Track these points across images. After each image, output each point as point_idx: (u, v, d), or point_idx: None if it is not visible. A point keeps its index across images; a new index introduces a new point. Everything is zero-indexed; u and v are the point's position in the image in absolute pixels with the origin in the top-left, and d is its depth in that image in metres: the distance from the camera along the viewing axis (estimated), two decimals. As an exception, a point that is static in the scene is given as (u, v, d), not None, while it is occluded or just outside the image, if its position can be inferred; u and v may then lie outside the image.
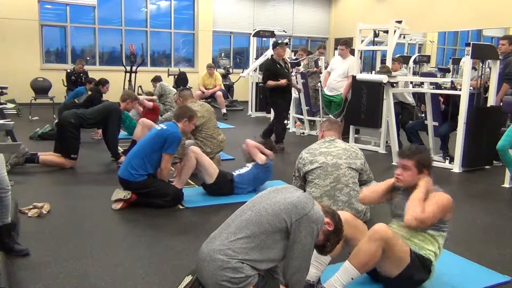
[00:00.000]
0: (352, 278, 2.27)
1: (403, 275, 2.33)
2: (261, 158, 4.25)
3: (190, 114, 3.96)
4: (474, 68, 6.04)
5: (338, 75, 6.83)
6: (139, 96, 7.72)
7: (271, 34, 10.58)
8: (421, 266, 2.37)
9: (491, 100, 5.47)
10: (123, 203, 3.69)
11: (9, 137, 4.96)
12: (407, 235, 2.46)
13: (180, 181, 4.01)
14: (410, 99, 6.79)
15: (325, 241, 2.13)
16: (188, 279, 2.13)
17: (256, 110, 10.27)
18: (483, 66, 5.64)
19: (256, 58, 10.34)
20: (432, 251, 2.43)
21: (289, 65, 6.69)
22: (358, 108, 6.37)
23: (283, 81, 6.15)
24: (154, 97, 7.81)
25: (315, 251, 2.18)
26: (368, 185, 3.50)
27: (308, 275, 2.24)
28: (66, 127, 4.91)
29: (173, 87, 8.87)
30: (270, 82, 6.27)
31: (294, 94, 8.00)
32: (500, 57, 5.63)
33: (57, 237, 3.11)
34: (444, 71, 10.74)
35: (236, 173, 4.22)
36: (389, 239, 2.26)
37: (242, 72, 10.76)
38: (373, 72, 6.94)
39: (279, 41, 6.48)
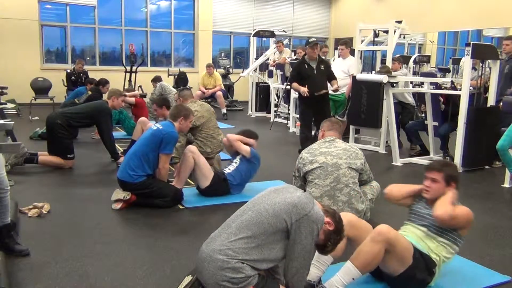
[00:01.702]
0: (353, 279, 2.28)
1: (405, 274, 2.34)
2: (245, 150, 4.16)
3: (185, 113, 3.93)
4: (474, 68, 6.04)
5: (339, 74, 6.84)
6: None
7: (271, 34, 10.58)
8: (424, 266, 2.38)
9: (491, 100, 5.47)
10: (123, 203, 3.69)
11: (9, 137, 4.97)
12: (422, 238, 2.50)
13: (179, 181, 4.01)
14: (410, 99, 6.79)
15: (326, 241, 2.14)
16: (188, 279, 2.13)
17: (256, 110, 10.27)
18: (483, 66, 5.63)
19: (256, 58, 10.35)
20: (439, 256, 2.45)
21: (327, 68, 5.89)
22: (358, 108, 6.37)
23: (304, 89, 5.59)
24: (136, 92, 7.71)
25: (316, 251, 2.18)
26: (373, 186, 3.54)
27: (309, 275, 2.24)
28: (55, 128, 4.85)
29: (173, 87, 8.88)
30: (294, 85, 5.80)
31: (294, 94, 8.02)
32: (504, 58, 5.63)
33: (57, 237, 3.11)
34: (444, 71, 10.74)
35: (226, 171, 4.17)
36: (391, 240, 2.27)
37: (242, 72, 10.78)
38: (373, 72, 6.94)
39: (310, 41, 5.86)
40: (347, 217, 2.42)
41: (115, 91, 5.47)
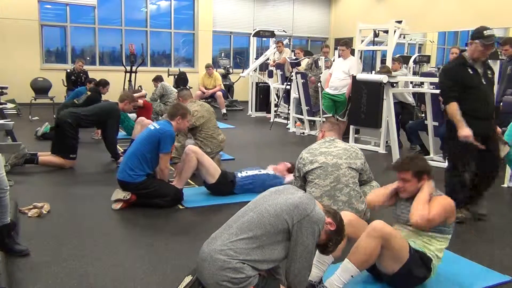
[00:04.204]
0: (352, 276, 2.29)
1: (402, 270, 2.34)
2: (290, 178, 4.06)
3: (182, 112, 3.93)
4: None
5: (340, 74, 6.84)
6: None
7: (271, 34, 10.59)
8: (420, 262, 2.39)
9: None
10: (123, 203, 3.69)
11: (9, 137, 4.97)
12: (413, 237, 2.48)
13: (180, 181, 4.00)
14: (410, 99, 6.79)
15: (327, 241, 2.14)
16: (188, 279, 2.13)
17: (256, 110, 10.26)
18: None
19: (256, 58, 10.35)
20: (433, 252, 2.45)
21: (494, 76, 3.81)
22: (358, 108, 6.36)
23: (469, 133, 3.35)
24: (143, 92, 7.76)
25: (317, 251, 2.18)
26: (373, 186, 3.52)
27: (310, 275, 2.24)
28: (64, 127, 4.88)
29: (173, 87, 8.88)
30: (453, 108, 3.38)
31: (294, 94, 8.03)
32: (505, 59, 5.63)
33: (57, 237, 3.11)
34: (444, 71, 10.72)
35: (243, 173, 4.14)
36: (387, 235, 2.28)
37: (242, 72, 10.77)
38: (373, 72, 6.94)
39: (485, 32, 3.34)
40: (347, 216, 2.43)
41: (129, 95, 5.51)
